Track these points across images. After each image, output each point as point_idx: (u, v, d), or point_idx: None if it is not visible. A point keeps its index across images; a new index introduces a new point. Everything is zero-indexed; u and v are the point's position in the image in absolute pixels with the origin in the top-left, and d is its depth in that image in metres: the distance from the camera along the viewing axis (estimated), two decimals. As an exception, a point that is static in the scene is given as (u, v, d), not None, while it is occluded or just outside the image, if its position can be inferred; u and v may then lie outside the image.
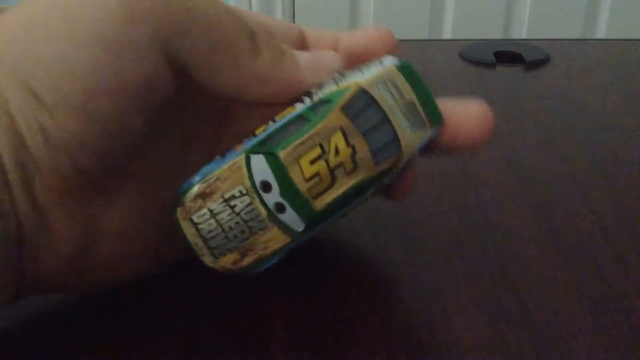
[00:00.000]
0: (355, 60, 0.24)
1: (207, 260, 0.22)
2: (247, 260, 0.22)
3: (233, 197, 0.21)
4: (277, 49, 0.22)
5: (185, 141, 0.23)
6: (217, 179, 0.21)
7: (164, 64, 0.20)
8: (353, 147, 0.21)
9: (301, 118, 0.21)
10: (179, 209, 0.21)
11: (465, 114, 0.23)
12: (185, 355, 0.22)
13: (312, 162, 0.21)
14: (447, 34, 1.15)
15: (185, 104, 0.23)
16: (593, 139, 0.36)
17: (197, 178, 0.21)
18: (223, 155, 0.22)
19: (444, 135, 0.23)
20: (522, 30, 1.19)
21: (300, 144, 0.21)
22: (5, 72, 0.19)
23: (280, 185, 0.21)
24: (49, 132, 0.19)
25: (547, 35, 1.17)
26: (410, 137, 0.22)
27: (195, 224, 0.21)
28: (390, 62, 0.23)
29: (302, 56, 0.22)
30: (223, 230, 0.21)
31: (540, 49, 0.50)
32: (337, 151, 0.21)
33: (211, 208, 0.21)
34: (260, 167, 0.21)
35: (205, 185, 0.21)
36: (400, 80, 0.22)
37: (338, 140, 0.21)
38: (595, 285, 0.25)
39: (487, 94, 0.42)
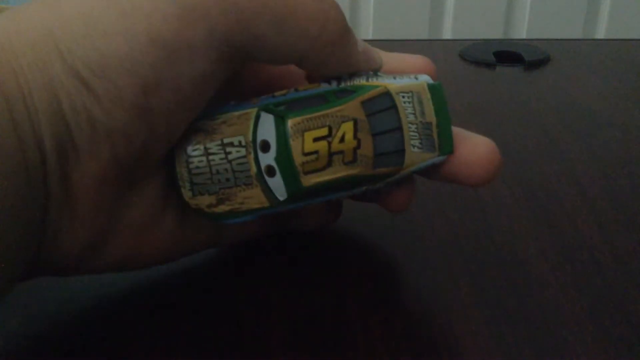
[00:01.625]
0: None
1: (186, 194, 0.22)
2: (221, 208, 0.22)
3: (231, 144, 0.21)
4: (341, 22, 0.21)
5: None
6: (223, 122, 0.21)
7: (220, 58, 0.20)
8: (359, 141, 0.21)
9: (321, 97, 0.22)
10: (196, 121, 0.21)
11: (472, 151, 0.23)
12: (184, 354, 0.22)
13: (316, 139, 0.21)
14: (447, 34, 1.15)
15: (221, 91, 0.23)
16: (593, 139, 0.36)
17: (205, 115, 0.22)
18: (238, 103, 0.22)
19: (447, 166, 0.23)
20: (522, 30, 1.19)
21: (310, 119, 0.21)
22: (60, 59, 0.19)
23: (278, 149, 0.21)
24: (95, 120, 0.19)
25: (547, 35, 1.17)
26: (416, 155, 0.22)
27: (187, 155, 0.22)
28: (423, 79, 0.23)
29: (359, 41, 0.22)
30: (210, 171, 0.22)
31: (540, 49, 0.50)
32: (342, 139, 0.21)
33: (207, 146, 0.21)
34: (267, 126, 0.21)
35: (210, 123, 0.21)
36: (427, 99, 0.22)
37: (347, 129, 0.21)
38: (595, 285, 0.25)
39: (487, 94, 0.42)
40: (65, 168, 0.20)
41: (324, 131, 0.21)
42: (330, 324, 0.23)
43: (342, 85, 0.22)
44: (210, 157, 0.22)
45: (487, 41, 0.52)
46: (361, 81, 0.22)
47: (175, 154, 0.22)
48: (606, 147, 0.36)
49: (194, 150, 0.22)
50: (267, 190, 0.22)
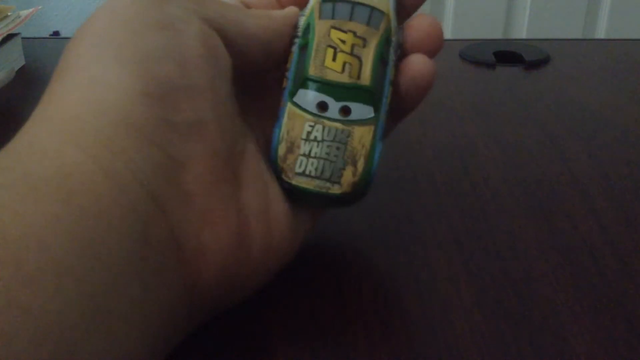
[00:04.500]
0: None
1: (334, 190, 0.24)
2: (360, 167, 0.24)
3: (308, 133, 0.24)
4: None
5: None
6: (288, 132, 0.24)
7: (210, 29, 0.22)
8: (350, 30, 0.24)
9: (302, 47, 0.24)
10: (282, 175, 0.24)
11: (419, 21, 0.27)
12: (184, 353, 0.22)
13: (334, 59, 0.24)
14: (447, 34, 1.15)
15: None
16: (593, 139, 0.36)
17: (274, 145, 0.24)
18: (277, 117, 0.24)
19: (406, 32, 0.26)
20: (522, 30, 1.19)
21: (315, 57, 0.24)
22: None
23: (328, 94, 0.24)
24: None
25: (547, 35, 1.17)
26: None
27: (302, 174, 0.24)
28: None
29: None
30: (323, 160, 0.24)
31: (540, 49, 0.50)
32: (342, 41, 0.24)
33: (301, 153, 0.24)
34: (306, 96, 0.24)
35: (283, 142, 0.24)
36: None
37: (335, 35, 0.24)
38: (595, 285, 0.25)
39: (487, 94, 0.43)
40: (176, 176, 0.20)
41: (330, 51, 0.24)
42: (330, 324, 0.23)
43: (299, 32, 0.25)
44: (312, 154, 0.24)
45: (487, 41, 0.52)
46: (303, 18, 0.25)
47: (295, 186, 0.24)
48: (606, 147, 0.36)
49: (300, 166, 0.24)
50: (361, 122, 0.24)
